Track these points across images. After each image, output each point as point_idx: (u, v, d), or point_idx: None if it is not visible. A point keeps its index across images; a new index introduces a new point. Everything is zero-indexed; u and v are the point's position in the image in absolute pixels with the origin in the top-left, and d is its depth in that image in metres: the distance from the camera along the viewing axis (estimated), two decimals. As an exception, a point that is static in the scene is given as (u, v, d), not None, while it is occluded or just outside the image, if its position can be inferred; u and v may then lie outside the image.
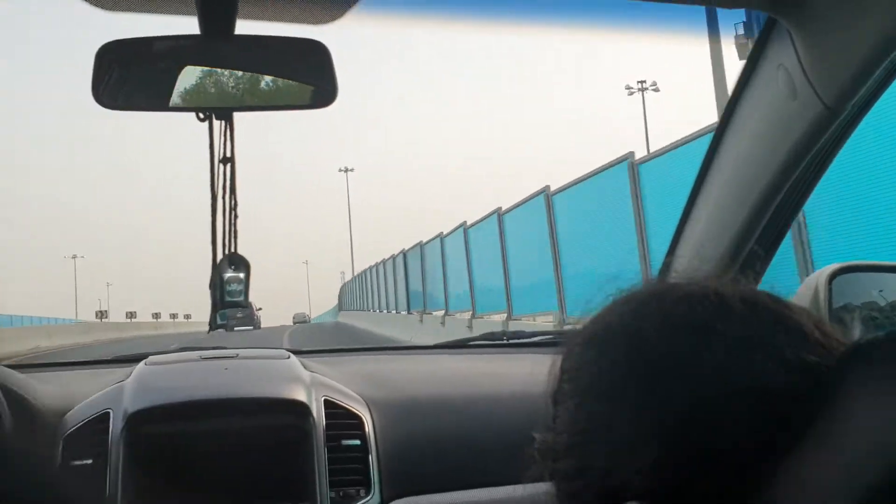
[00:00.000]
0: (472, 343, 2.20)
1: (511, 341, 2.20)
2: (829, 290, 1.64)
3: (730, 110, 1.48)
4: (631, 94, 43.85)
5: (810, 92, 1.28)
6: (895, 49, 1.17)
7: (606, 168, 11.95)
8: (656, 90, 44.31)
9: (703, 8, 1.29)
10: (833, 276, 1.69)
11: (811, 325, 0.59)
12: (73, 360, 1.87)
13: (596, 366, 0.64)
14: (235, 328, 40.10)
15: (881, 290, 2.03)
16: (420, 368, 1.89)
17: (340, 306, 55.32)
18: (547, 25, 1.33)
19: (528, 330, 2.33)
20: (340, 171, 67.82)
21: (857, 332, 0.66)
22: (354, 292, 44.01)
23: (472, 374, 1.81)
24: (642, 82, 43.62)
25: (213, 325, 1.35)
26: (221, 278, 1.26)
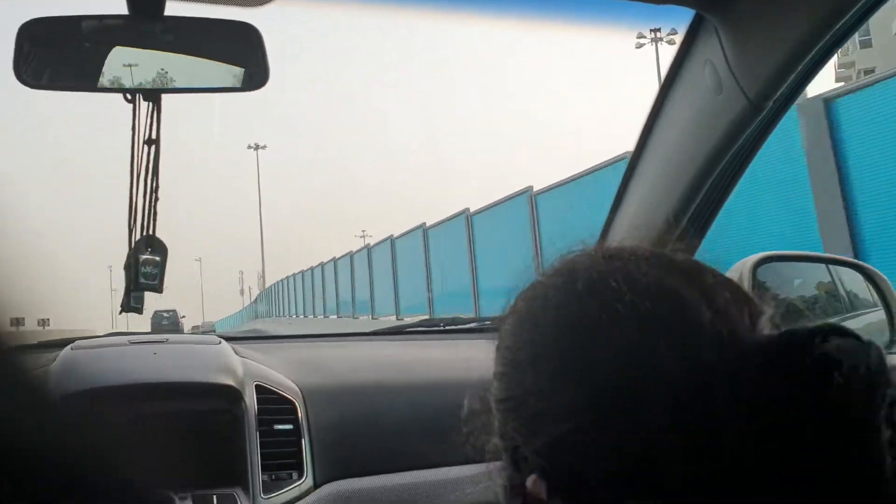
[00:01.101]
0: (408, 329, 2.21)
1: (447, 327, 2.22)
2: (753, 279, 1.71)
3: (658, 104, 1.51)
4: (640, 46, 30.85)
5: (735, 87, 1.32)
6: (813, 48, 1.21)
7: (512, 197, 14.09)
8: (672, 43, 27.64)
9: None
10: (756, 265, 1.75)
11: (707, 311, 0.59)
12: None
13: (513, 341, 0.67)
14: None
15: (799, 281, 2.12)
16: (355, 354, 1.89)
17: (257, 313, 52.28)
18: (496, 17, 1.34)
19: (463, 317, 2.34)
20: (250, 147, 57.09)
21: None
22: (277, 297, 43.12)
23: (406, 360, 1.82)
24: (656, 30, 29.11)
25: (125, 308, 1.33)
26: (137, 259, 1.24)
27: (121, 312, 1.33)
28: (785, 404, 0.52)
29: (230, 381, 1.41)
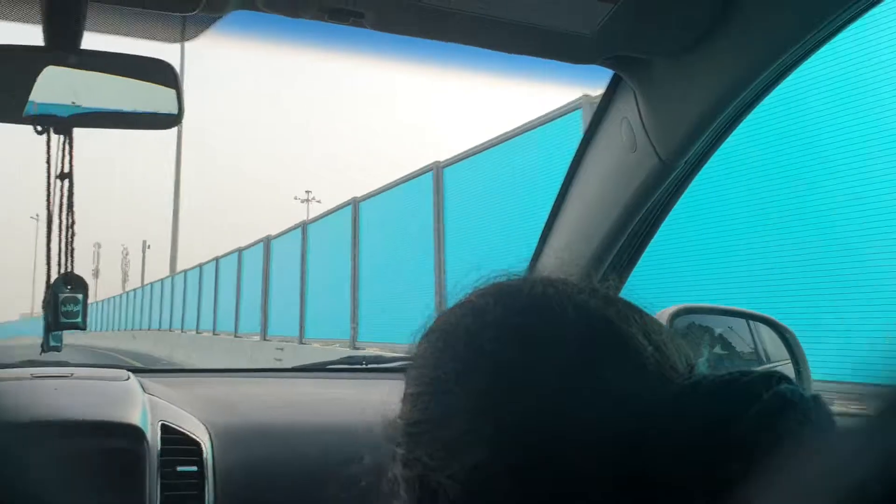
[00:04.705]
0: (329, 367, 2.19)
1: (370, 366, 2.21)
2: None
3: (579, 155, 1.55)
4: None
5: (648, 146, 1.36)
6: (723, 113, 1.26)
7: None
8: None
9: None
10: (673, 317, 1.79)
11: (648, 347, 0.57)
12: None
13: (436, 359, 0.62)
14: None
15: (719, 332, 2.17)
16: (271, 392, 1.86)
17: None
18: (404, 63, 1.35)
19: (387, 355, 2.33)
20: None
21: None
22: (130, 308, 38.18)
23: (323, 400, 1.79)
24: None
25: (45, 347, 1.30)
26: (56, 297, 1.22)
27: (41, 353, 1.30)
28: (735, 442, 0.50)
29: (133, 420, 1.37)
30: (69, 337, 1.29)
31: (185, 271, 25.52)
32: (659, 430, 0.52)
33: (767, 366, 2.12)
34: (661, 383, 0.55)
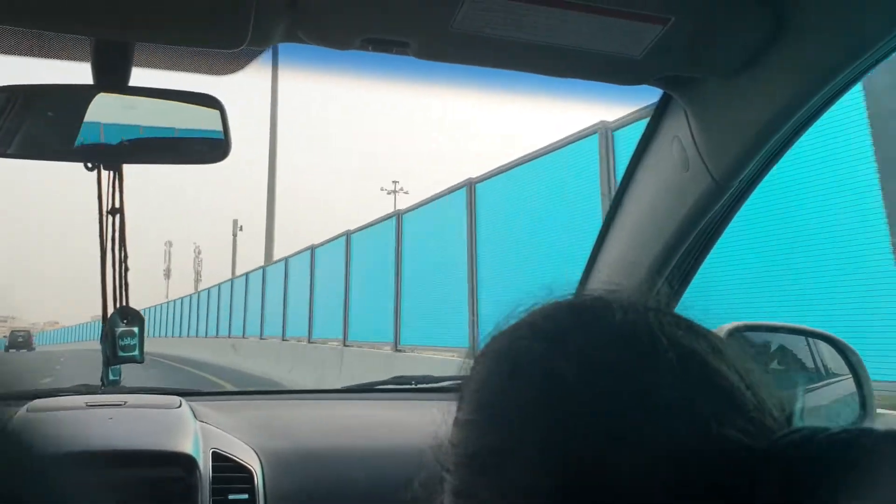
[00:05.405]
0: (378, 388, 2.19)
1: (419, 386, 2.19)
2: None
3: (629, 175, 1.52)
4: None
5: (701, 165, 1.32)
6: (778, 132, 1.22)
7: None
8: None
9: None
10: (730, 333, 1.75)
11: (743, 388, 0.52)
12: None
13: (501, 386, 0.56)
14: (10, 349, 47.31)
15: (776, 348, 2.12)
16: (320, 415, 1.86)
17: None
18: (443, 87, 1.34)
19: (436, 374, 2.31)
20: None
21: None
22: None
23: (373, 423, 1.79)
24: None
25: (105, 382, 1.32)
26: (114, 332, 1.24)
27: (101, 387, 1.33)
28: None
29: (185, 449, 1.38)
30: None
31: (265, 267, 24.28)
32: (761, 482, 0.47)
33: (827, 382, 2.06)
34: (761, 430, 0.50)
